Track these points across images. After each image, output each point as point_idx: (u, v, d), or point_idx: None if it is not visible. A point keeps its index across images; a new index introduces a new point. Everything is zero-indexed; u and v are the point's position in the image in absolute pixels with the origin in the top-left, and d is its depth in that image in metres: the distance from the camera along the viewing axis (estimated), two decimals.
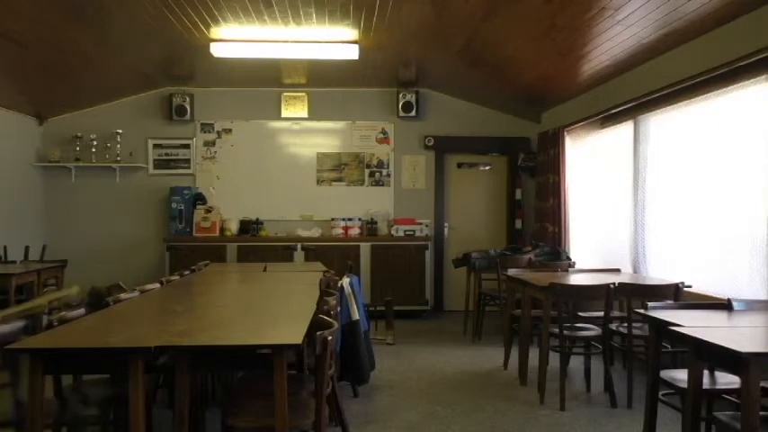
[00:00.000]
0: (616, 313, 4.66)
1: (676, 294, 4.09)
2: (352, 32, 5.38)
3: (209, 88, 7.50)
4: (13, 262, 6.03)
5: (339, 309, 4.18)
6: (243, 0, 4.58)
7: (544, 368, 4.19)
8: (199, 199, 7.36)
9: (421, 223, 7.40)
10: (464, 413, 4.01)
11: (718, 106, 4.36)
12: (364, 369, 4.29)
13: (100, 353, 2.35)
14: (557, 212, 6.60)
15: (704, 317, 3.04)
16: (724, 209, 4.28)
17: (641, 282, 4.58)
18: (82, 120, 7.44)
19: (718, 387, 2.98)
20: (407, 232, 7.29)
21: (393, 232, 7.32)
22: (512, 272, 4.94)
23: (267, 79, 7.19)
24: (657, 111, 5.07)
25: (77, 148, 7.35)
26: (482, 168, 7.93)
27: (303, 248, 7.15)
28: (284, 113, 7.64)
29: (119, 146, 7.41)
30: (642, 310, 3.20)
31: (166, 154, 7.58)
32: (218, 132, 7.60)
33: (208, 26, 5.17)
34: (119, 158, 7.41)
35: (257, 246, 7.12)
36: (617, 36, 4.54)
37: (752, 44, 3.72)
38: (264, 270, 5.24)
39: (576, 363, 4.88)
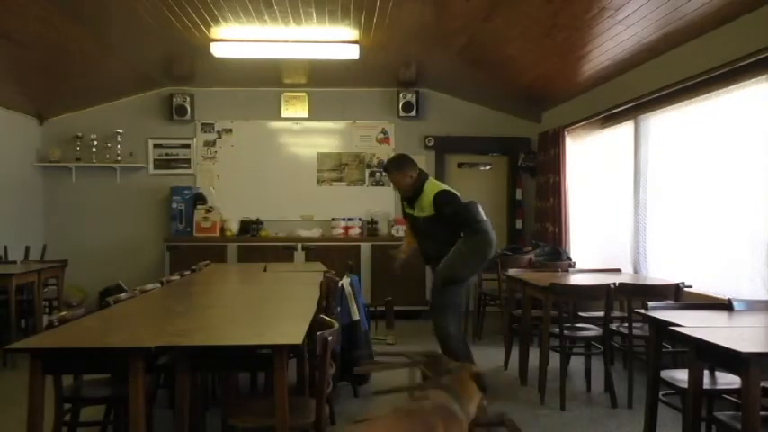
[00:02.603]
0: (616, 313, 4.66)
1: (677, 294, 4.09)
2: (352, 32, 5.37)
3: (210, 88, 7.50)
4: (14, 262, 6.03)
5: (339, 309, 4.18)
6: (243, 0, 4.58)
7: (544, 368, 4.18)
8: (199, 199, 7.35)
9: None
10: None
11: (719, 106, 4.36)
12: None
13: (100, 353, 2.35)
14: (557, 212, 6.60)
15: (705, 317, 3.04)
16: (725, 209, 4.28)
17: (642, 282, 4.58)
18: (82, 120, 7.43)
19: (718, 387, 2.98)
20: None
21: (394, 232, 7.31)
22: (512, 272, 4.94)
23: (267, 79, 7.19)
24: (658, 111, 5.06)
25: (78, 148, 7.35)
26: (482, 168, 7.93)
27: (303, 248, 7.14)
28: (284, 113, 7.63)
29: (119, 146, 7.41)
30: (642, 310, 3.21)
31: (167, 154, 7.58)
32: (218, 132, 7.60)
33: (208, 26, 5.17)
34: (119, 158, 7.41)
35: (257, 246, 7.11)
36: (617, 36, 4.54)
37: (752, 44, 3.72)
38: (265, 270, 5.23)
39: (577, 363, 4.88)
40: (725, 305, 3.21)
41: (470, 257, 3.90)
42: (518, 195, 7.70)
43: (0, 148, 6.63)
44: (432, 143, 7.66)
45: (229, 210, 7.44)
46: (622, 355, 4.88)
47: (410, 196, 4.14)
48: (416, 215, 4.14)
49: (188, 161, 7.58)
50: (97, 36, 5.37)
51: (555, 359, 4.23)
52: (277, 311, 3.24)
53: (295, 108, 7.63)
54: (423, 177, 4.13)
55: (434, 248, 4.05)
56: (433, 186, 4.09)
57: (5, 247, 6.35)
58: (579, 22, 4.42)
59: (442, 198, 4.00)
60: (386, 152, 7.66)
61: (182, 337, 2.46)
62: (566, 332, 4.18)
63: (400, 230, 7.28)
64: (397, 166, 4.16)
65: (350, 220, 7.40)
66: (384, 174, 4.56)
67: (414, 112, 7.52)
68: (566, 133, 6.56)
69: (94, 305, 5.51)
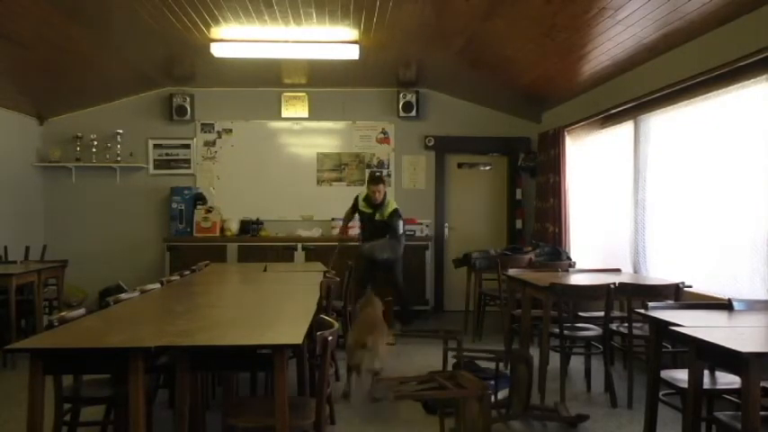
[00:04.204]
0: (616, 313, 4.66)
1: (677, 294, 4.09)
2: (352, 32, 5.38)
3: (210, 88, 7.50)
4: (14, 262, 6.03)
5: None
6: (243, 0, 4.58)
7: (544, 368, 4.18)
8: (199, 199, 7.36)
9: (421, 223, 7.40)
10: None
11: (719, 106, 4.35)
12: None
13: (100, 353, 2.35)
14: (557, 212, 6.60)
15: (705, 317, 3.04)
16: (724, 209, 4.28)
17: (641, 282, 4.58)
18: (82, 120, 7.44)
19: (718, 387, 2.98)
20: (408, 232, 7.27)
21: None
22: (512, 272, 4.94)
23: (267, 79, 7.19)
24: (658, 111, 5.06)
25: (78, 149, 7.35)
26: (482, 168, 7.93)
27: (303, 248, 7.15)
28: (284, 113, 7.64)
29: (119, 146, 7.41)
30: (642, 311, 3.21)
31: (167, 154, 7.58)
32: (218, 132, 7.60)
33: (208, 26, 5.17)
34: (119, 158, 7.41)
35: (257, 246, 7.12)
36: (617, 36, 4.54)
37: (752, 44, 3.72)
38: (265, 270, 5.24)
39: (577, 363, 4.88)
40: (725, 305, 3.21)
41: (387, 249, 6.30)
42: (518, 195, 7.70)
43: (0, 148, 6.63)
44: (432, 143, 7.66)
45: (229, 210, 7.44)
46: (622, 355, 4.88)
47: (377, 204, 6.35)
48: (377, 217, 6.36)
49: (188, 161, 7.58)
50: (97, 36, 5.37)
51: (555, 359, 4.24)
52: (277, 311, 3.24)
53: (295, 108, 7.64)
54: (386, 194, 6.50)
55: (375, 238, 6.31)
56: (392, 202, 6.48)
57: (5, 247, 6.35)
58: (579, 22, 4.42)
59: (395, 213, 6.35)
60: (386, 152, 7.67)
61: (182, 337, 2.46)
62: (566, 332, 4.18)
63: (400, 230, 7.27)
64: (384, 180, 6.52)
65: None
66: (376, 179, 6.51)
67: (414, 112, 7.52)
68: (566, 133, 6.56)
69: (94, 305, 5.50)
